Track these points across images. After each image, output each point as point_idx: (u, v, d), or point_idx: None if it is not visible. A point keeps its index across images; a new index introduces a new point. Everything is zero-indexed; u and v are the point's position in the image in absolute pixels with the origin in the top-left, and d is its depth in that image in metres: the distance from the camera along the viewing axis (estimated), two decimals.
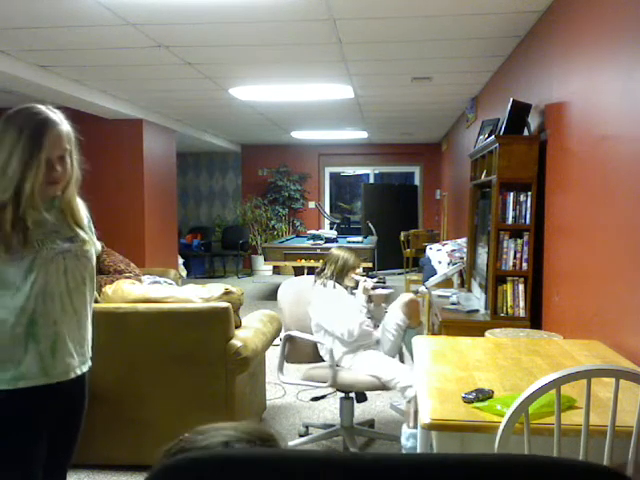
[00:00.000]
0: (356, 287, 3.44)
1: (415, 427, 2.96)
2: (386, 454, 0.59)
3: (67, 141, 1.69)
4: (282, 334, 3.48)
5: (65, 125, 1.71)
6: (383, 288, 3.44)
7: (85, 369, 1.83)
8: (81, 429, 1.89)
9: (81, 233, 1.78)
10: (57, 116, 1.70)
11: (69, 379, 1.76)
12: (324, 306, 3.31)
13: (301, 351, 3.43)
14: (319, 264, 3.62)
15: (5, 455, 1.68)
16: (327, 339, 3.27)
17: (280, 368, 3.33)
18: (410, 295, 3.50)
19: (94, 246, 1.84)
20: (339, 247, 3.69)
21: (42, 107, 1.69)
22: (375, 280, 3.44)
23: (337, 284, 3.40)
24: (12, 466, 1.69)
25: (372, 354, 3.30)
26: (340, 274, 3.40)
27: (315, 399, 3.74)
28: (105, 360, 2.96)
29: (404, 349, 3.53)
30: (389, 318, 3.40)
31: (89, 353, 1.86)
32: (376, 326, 3.43)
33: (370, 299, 3.40)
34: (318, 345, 3.38)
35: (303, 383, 3.33)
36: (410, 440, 2.98)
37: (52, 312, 1.69)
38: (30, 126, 1.64)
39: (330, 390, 3.57)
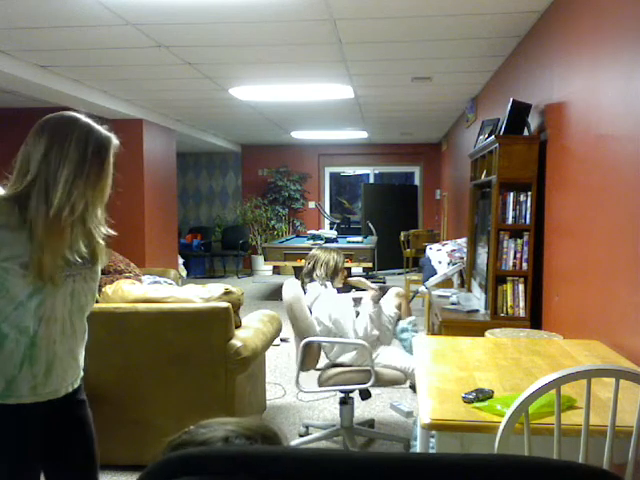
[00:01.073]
0: (345, 289, 3.51)
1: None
2: (381, 453, 0.59)
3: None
4: (292, 339, 3.41)
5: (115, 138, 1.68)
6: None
7: (77, 383, 1.78)
8: (93, 436, 1.83)
9: (96, 250, 1.71)
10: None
11: (60, 396, 1.71)
12: (335, 309, 3.27)
13: (310, 357, 3.32)
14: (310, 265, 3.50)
15: None
16: (361, 340, 3.19)
17: (298, 380, 3.18)
18: (398, 289, 3.68)
19: (103, 263, 1.77)
20: (321, 248, 3.59)
21: (87, 118, 1.63)
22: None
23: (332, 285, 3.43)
24: None
25: (392, 349, 3.39)
26: (333, 275, 3.42)
27: (365, 398, 3.59)
28: (105, 360, 2.97)
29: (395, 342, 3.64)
30: (384, 311, 3.52)
31: (82, 365, 1.81)
32: None
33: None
34: (326, 348, 3.36)
35: (339, 389, 3.25)
36: (404, 333, 3.12)
37: (53, 335, 1.64)
38: (95, 144, 1.59)
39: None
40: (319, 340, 3.26)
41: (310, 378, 3.44)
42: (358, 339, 3.22)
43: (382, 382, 3.23)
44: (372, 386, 3.18)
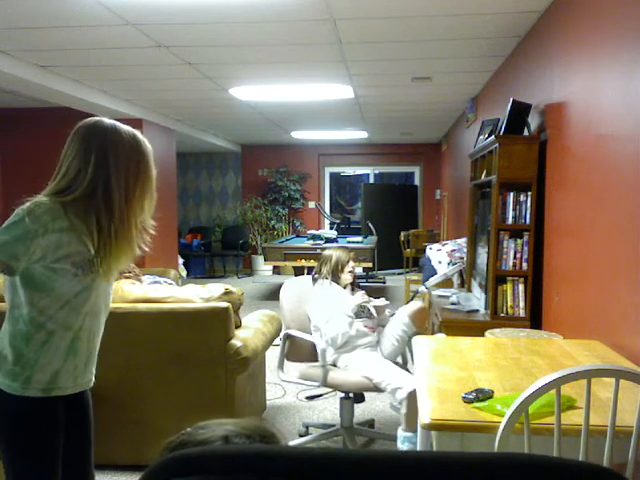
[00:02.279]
0: (353, 286, 3.49)
1: (410, 430, 2.95)
2: (381, 450, 0.59)
3: None
4: (283, 332, 3.49)
5: None
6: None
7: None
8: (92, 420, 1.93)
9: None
10: None
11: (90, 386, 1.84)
12: (318, 308, 3.33)
13: (302, 349, 3.44)
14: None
15: (37, 460, 1.71)
16: (320, 340, 3.27)
17: (280, 366, 3.36)
18: (419, 304, 3.44)
19: None
20: (332, 247, 3.75)
21: (123, 125, 1.76)
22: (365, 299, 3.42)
23: (334, 283, 3.43)
24: (42, 472, 1.71)
25: (367, 355, 3.26)
26: (335, 271, 3.43)
27: (310, 398, 3.73)
28: (105, 360, 2.96)
29: (408, 355, 3.48)
30: (395, 323, 3.36)
31: None
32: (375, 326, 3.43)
33: (368, 310, 3.40)
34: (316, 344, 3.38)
35: (298, 382, 3.34)
36: (405, 444, 2.96)
37: (93, 329, 1.76)
38: (142, 151, 1.73)
39: (326, 390, 3.58)
40: (292, 333, 3.38)
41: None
42: (322, 338, 3.25)
43: (331, 385, 3.19)
44: (321, 386, 3.19)
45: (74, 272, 1.63)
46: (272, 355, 5.17)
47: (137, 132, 1.76)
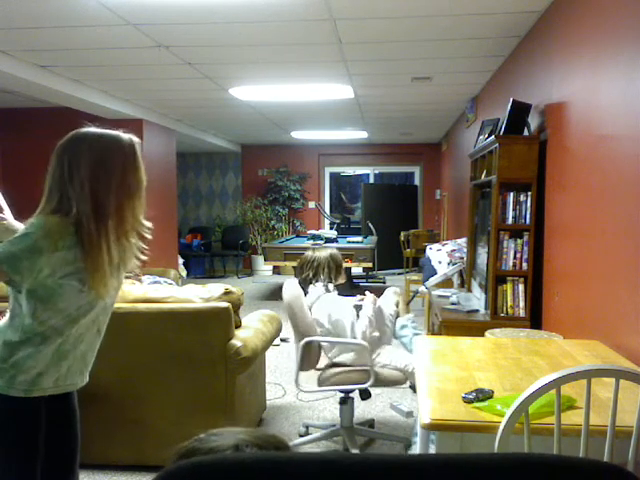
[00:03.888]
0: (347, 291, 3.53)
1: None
2: (383, 454, 0.59)
3: None
4: (292, 339, 3.39)
5: None
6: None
7: (87, 379, 1.88)
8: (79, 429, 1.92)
9: (131, 260, 1.82)
10: None
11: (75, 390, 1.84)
12: (335, 310, 3.26)
13: (310, 357, 3.30)
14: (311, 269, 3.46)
15: (16, 459, 1.71)
16: (359, 340, 3.20)
17: (297, 380, 3.18)
18: (395, 288, 3.69)
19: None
20: (315, 250, 3.55)
21: (103, 129, 1.76)
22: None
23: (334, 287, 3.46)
24: (21, 472, 1.71)
25: (392, 349, 3.40)
26: (337, 273, 3.44)
27: (365, 398, 3.60)
28: (105, 360, 2.95)
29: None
30: (383, 312, 3.54)
31: None
32: None
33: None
34: (325, 348, 3.34)
35: (338, 389, 3.24)
36: (403, 330, 3.25)
37: (82, 334, 1.75)
38: (129, 157, 1.72)
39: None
40: (319, 340, 3.26)
41: (311, 378, 3.43)
42: (356, 340, 3.21)
43: (381, 382, 3.22)
44: (372, 386, 3.18)
45: (79, 288, 1.64)
46: (272, 355, 5.17)
47: (118, 134, 1.72)
